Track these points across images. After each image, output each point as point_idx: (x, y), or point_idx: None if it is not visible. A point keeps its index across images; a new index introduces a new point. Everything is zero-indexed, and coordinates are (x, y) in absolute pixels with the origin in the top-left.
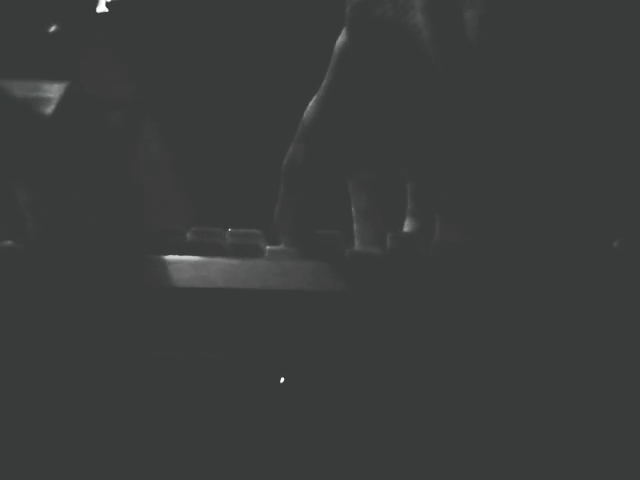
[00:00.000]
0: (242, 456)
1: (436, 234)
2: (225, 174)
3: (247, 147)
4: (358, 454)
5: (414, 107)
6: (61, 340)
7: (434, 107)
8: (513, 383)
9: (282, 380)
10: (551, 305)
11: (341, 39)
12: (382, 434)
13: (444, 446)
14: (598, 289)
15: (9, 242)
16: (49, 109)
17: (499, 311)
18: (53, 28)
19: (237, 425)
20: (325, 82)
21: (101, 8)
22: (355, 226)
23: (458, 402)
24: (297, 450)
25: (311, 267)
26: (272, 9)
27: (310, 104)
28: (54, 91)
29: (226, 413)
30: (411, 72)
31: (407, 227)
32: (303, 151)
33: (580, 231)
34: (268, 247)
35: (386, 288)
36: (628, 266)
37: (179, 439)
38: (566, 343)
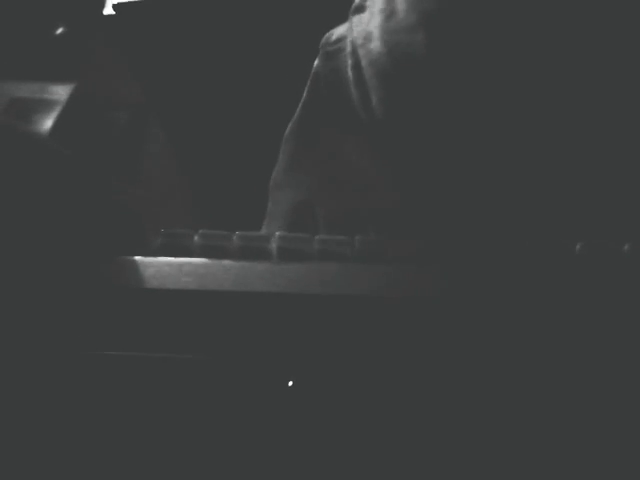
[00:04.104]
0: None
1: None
2: (228, 175)
3: (250, 149)
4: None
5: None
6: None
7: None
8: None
9: (290, 383)
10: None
11: (316, 65)
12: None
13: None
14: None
15: None
16: (56, 111)
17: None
18: (60, 30)
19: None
20: (302, 101)
21: (107, 10)
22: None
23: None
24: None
25: (319, 270)
26: (272, 11)
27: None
28: (61, 93)
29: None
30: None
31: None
32: (282, 168)
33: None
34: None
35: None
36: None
37: (183, 442)
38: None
